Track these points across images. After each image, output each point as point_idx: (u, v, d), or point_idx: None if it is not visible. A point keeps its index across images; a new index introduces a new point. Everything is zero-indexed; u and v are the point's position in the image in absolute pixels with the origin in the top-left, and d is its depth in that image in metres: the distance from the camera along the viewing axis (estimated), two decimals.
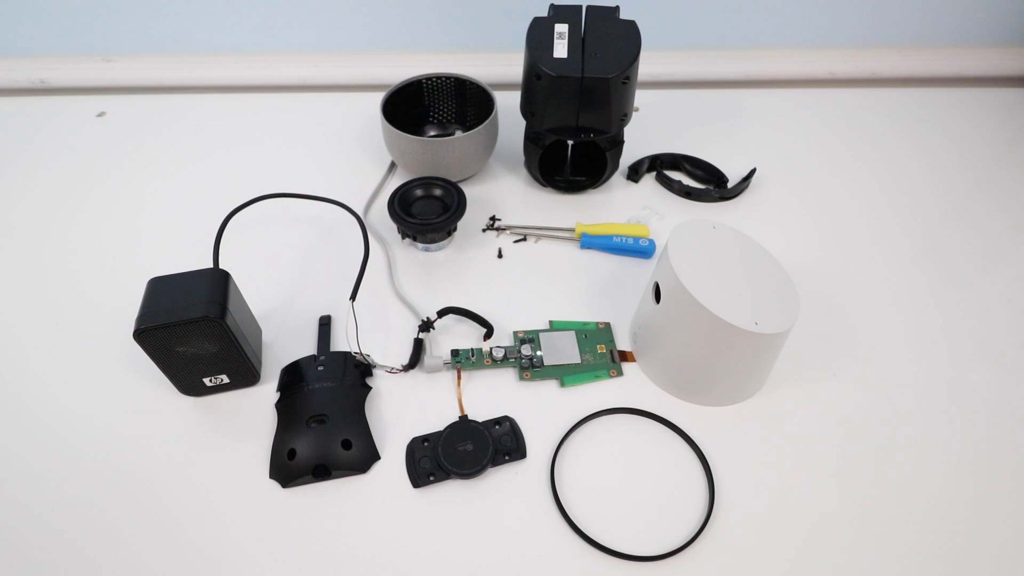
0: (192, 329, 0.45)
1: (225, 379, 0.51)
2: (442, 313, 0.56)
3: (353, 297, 0.54)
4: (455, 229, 0.63)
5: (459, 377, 0.52)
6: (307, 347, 0.55)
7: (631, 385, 0.53)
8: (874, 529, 0.45)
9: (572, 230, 0.65)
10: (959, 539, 0.45)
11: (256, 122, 0.80)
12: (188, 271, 0.49)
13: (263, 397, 0.52)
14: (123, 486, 0.46)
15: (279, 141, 0.77)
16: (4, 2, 0.80)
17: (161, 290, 0.47)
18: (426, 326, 0.55)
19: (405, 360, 0.54)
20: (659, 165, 0.73)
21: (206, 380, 0.50)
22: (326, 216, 0.67)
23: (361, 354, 0.53)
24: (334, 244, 0.64)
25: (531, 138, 0.66)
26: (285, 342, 0.55)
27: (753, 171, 0.70)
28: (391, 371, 0.53)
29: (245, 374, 0.51)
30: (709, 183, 0.72)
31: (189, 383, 0.50)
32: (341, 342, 0.55)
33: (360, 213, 0.66)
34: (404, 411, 0.51)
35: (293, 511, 0.45)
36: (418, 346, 0.54)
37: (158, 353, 0.47)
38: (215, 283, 0.48)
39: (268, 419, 0.50)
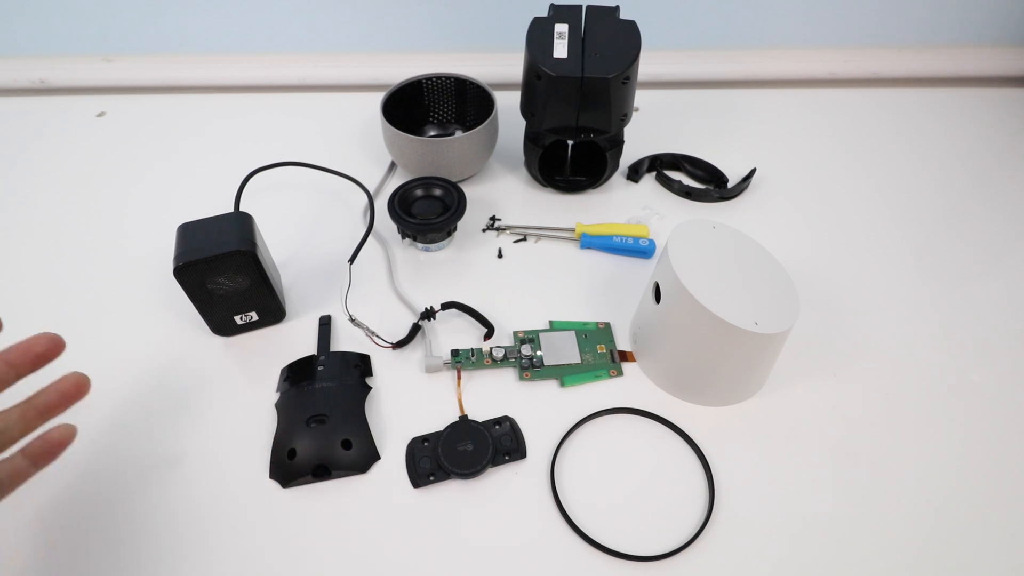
0: (227, 263, 0.49)
1: (254, 316, 0.54)
2: (446, 306, 0.56)
3: (352, 260, 0.58)
4: (455, 229, 0.63)
5: (459, 377, 0.52)
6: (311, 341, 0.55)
7: (631, 385, 0.53)
8: (874, 529, 0.45)
9: (572, 230, 0.65)
10: (959, 539, 0.45)
11: (256, 122, 0.80)
12: (215, 215, 0.52)
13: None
14: (112, 486, 0.46)
15: (279, 141, 0.77)
16: (4, 2, 0.80)
17: (192, 232, 0.50)
18: (428, 314, 0.55)
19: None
20: (659, 165, 0.73)
21: (237, 318, 0.54)
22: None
23: (354, 319, 0.54)
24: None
25: (531, 138, 0.66)
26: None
27: (753, 171, 0.70)
28: (378, 342, 0.54)
29: (273, 311, 0.55)
30: (709, 183, 0.72)
31: (221, 321, 0.53)
32: (341, 342, 0.56)
33: (366, 207, 0.67)
34: (404, 411, 0.51)
35: (293, 511, 0.45)
36: (415, 330, 0.54)
37: (195, 290, 0.50)
38: (242, 223, 0.52)
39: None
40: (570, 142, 0.71)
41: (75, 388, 0.39)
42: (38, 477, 0.46)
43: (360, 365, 0.53)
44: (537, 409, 0.51)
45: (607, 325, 0.57)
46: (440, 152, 0.66)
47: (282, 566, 0.43)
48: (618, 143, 0.66)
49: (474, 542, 0.44)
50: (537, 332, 0.56)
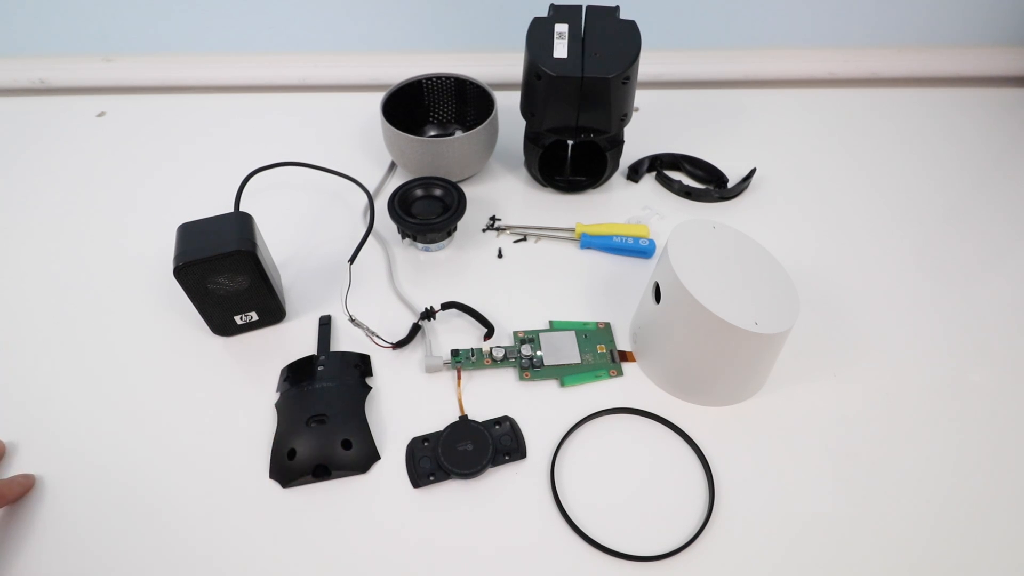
0: (227, 263, 0.49)
1: (254, 316, 0.54)
2: (446, 306, 0.56)
3: (352, 260, 0.58)
4: (455, 229, 0.63)
5: (459, 377, 0.52)
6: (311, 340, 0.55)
7: (631, 385, 0.53)
8: (874, 529, 0.45)
9: (572, 230, 0.65)
10: (959, 539, 0.45)
11: (256, 122, 0.80)
12: (214, 215, 0.52)
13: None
14: (115, 484, 0.47)
15: (279, 141, 0.77)
16: (4, 2, 0.80)
17: (193, 232, 0.50)
18: (428, 314, 0.55)
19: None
20: (659, 165, 0.73)
21: (237, 318, 0.54)
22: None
23: (354, 319, 0.54)
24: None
25: (531, 138, 0.66)
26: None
27: (753, 171, 0.70)
28: (378, 342, 0.54)
29: (273, 311, 0.55)
30: (709, 183, 0.72)
31: (221, 321, 0.53)
32: (341, 342, 0.56)
33: (366, 207, 0.67)
34: (404, 411, 0.51)
35: (293, 511, 0.45)
36: (415, 330, 0.54)
37: (195, 290, 0.50)
38: (242, 223, 0.52)
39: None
40: (570, 142, 0.71)
41: None
42: (41, 484, 0.46)
43: (360, 365, 0.53)
44: (537, 409, 0.51)
45: (607, 325, 0.57)
46: (440, 152, 0.66)
47: (282, 566, 0.43)
48: (618, 143, 0.66)
49: (474, 542, 0.44)
50: (537, 332, 0.56)
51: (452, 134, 0.76)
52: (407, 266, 0.62)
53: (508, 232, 0.66)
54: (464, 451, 0.47)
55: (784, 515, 0.46)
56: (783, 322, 0.45)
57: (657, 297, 0.50)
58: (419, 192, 0.63)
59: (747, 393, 0.52)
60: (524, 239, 0.65)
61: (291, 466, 0.46)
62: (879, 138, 0.78)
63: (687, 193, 0.70)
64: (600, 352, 0.55)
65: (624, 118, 0.63)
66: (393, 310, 0.58)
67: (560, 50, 0.59)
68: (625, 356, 0.55)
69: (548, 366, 0.53)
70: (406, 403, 0.51)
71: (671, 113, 0.81)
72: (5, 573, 0.42)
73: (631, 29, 0.60)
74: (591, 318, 0.58)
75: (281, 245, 0.63)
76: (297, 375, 0.51)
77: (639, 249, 0.63)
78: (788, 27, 0.85)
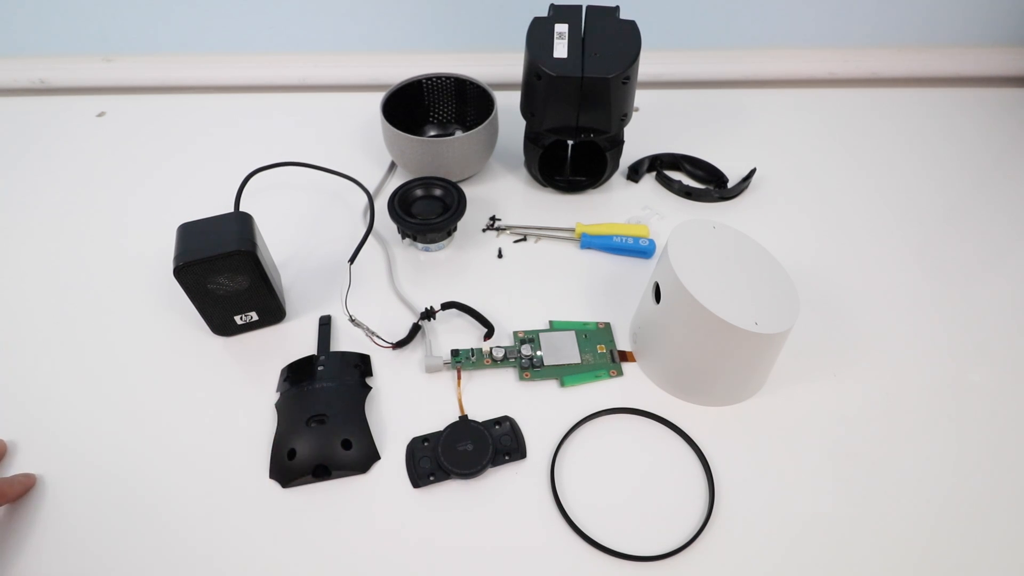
0: (227, 263, 0.49)
1: (254, 316, 0.54)
2: (445, 306, 0.56)
3: (352, 260, 0.58)
4: (455, 229, 0.63)
5: (459, 377, 0.52)
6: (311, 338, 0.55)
7: (631, 385, 0.53)
8: (874, 529, 0.45)
9: (572, 230, 0.65)
10: (959, 539, 0.45)
11: (256, 122, 0.80)
12: (214, 215, 0.52)
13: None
14: (116, 484, 0.47)
15: (279, 141, 0.77)
16: (4, 2, 0.80)
17: (193, 232, 0.50)
18: (428, 315, 0.55)
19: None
20: (659, 165, 0.73)
21: (237, 318, 0.54)
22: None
23: (354, 319, 0.54)
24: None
25: (531, 138, 0.66)
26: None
27: (753, 171, 0.70)
28: (378, 342, 0.54)
29: (273, 311, 0.55)
30: (709, 183, 0.72)
31: (221, 322, 0.54)
32: (341, 342, 0.56)
33: (366, 207, 0.67)
34: (404, 411, 0.51)
35: (293, 511, 0.45)
36: (415, 330, 0.54)
37: (195, 290, 0.50)
38: (242, 223, 0.52)
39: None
40: (570, 142, 0.71)
41: None
42: (41, 484, 0.46)
43: (360, 365, 0.53)
44: (537, 409, 0.51)
45: (607, 325, 0.57)
46: (440, 152, 0.66)
47: (282, 566, 0.43)
48: (618, 143, 0.66)
49: (474, 542, 0.44)
50: (537, 332, 0.56)
51: (452, 134, 0.76)
52: (407, 266, 0.62)
53: (508, 232, 0.66)
54: (464, 451, 0.47)
55: (784, 515, 0.46)
56: (783, 322, 0.45)
57: (657, 297, 0.50)
58: (419, 192, 0.63)
59: (747, 393, 0.52)
60: (524, 239, 0.65)
61: (291, 466, 0.46)
62: (879, 138, 0.78)
63: (687, 193, 0.70)
64: (600, 352, 0.55)
65: (624, 118, 0.63)
66: (393, 310, 0.58)
67: (560, 50, 0.59)
68: (625, 356, 0.55)
69: (548, 366, 0.53)
70: (406, 403, 0.51)
71: (671, 113, 0.81)
72: (5, 573, 0.42)
73: (631, 29, 0.60)
74: (591, 318, 0.58)
75: (281, 245, 0.63)
76: (297, 375, 0.51)
77: (639, 249, 0.63)
78: (788, 27, 0.85)
